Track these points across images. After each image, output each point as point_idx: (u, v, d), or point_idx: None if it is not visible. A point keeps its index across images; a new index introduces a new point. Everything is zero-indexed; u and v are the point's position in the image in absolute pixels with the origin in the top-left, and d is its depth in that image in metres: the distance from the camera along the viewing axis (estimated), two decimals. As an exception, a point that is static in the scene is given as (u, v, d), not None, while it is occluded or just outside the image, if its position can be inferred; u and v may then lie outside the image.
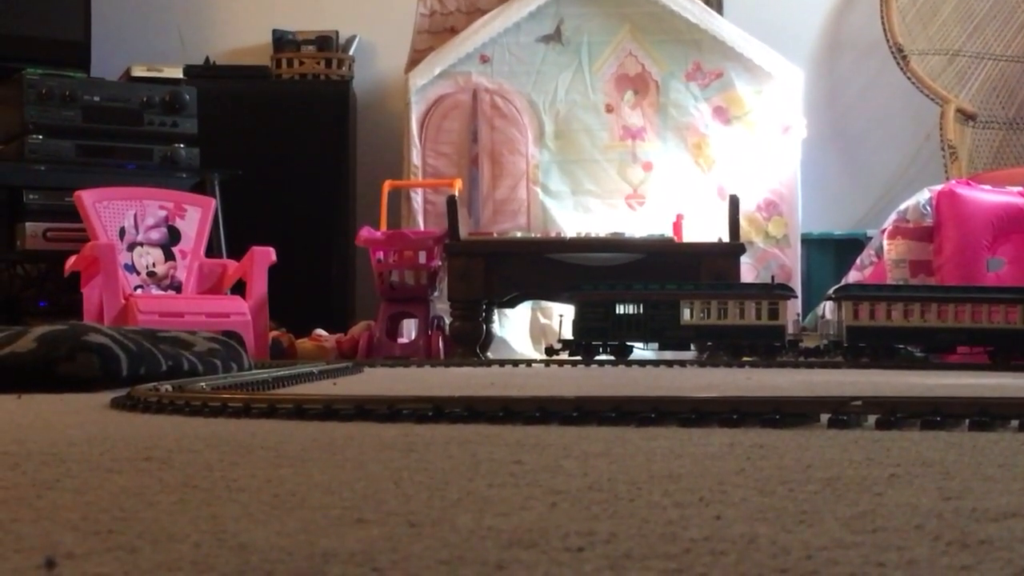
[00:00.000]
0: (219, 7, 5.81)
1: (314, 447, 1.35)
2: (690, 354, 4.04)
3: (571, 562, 0.70)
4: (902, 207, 4.59)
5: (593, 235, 4.58)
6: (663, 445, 1.35)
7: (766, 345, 3.86)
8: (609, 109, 5.12)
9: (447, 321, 4.56)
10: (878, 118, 5.70)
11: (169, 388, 2.03)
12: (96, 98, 4.73)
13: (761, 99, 5.08)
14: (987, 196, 4.50)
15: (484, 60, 5.09)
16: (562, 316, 4.19)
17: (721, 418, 1.57)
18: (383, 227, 4.79)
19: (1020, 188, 4.56)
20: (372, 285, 4.73)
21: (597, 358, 3.90)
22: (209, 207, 4.75)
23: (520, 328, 4.97)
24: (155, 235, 4.58)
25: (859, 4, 5.70)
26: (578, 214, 5.05)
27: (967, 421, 1.53)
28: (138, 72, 4.97)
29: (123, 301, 4.19)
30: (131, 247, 4.53)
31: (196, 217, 4.68)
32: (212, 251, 4.78)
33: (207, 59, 5.47)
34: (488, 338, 4.58)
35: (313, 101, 5.35)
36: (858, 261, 4.79)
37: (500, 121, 5.07)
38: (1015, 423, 1.52)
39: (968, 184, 4.59)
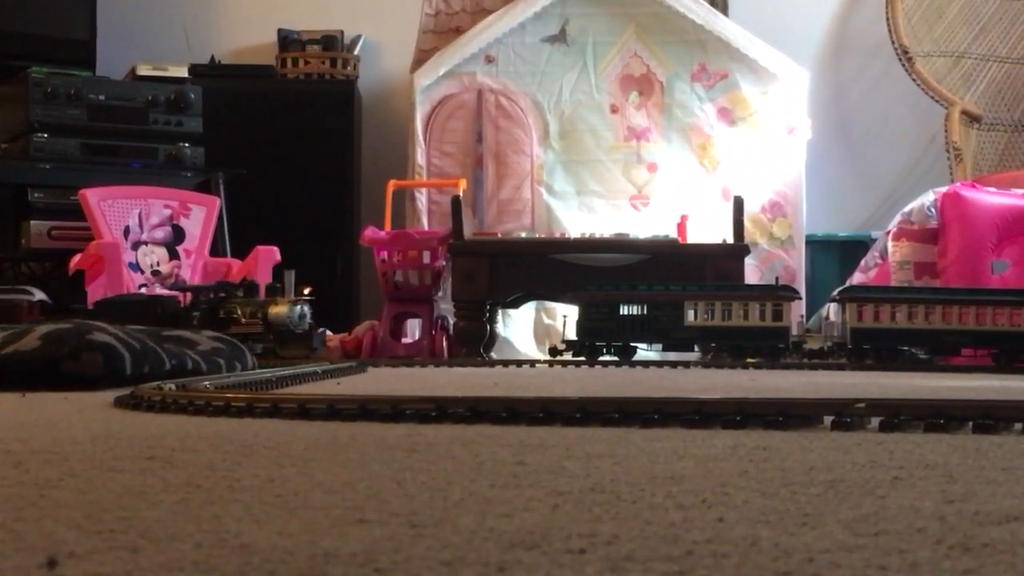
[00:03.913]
0: (224, 6, 5.81)
1: (317, 447, 1.35)
2: (694, 355, 4.03)
3: (573, 564, 0.70)
4: (907, 209, 4.59)
5: (597, 236, 4.58)
6: (666, 446, 1.35)
7: (770, 347, 3.85)
8: (614, 110, 5.12)
9: (451, 321, 4.56)
10: (883, 119, 5.70)
11: (173, 387, 2.03)
12: (101, 97, 4.74)
13: (766, 100, 5.08)
14: (992, 198, 4.49)
15: (489, 60, 5.09)
16: (566, 317, 4.18)
17: (724, 420, 1.57)
18: (387, 227, 4.79)
19: (1025, 190, 4.56)
20: (376, 285, 4.73)
21: (601, 359, 3.90)
22: (214, 206, 4.75)
23: (524, 328, 4.97)
24: (160, 234, 4.59)
25: (864, 5, 5.70)
26: (582, 214, 5.05)
27: (971, 424, 1.53)
28: (143, 71, 4.98)
29: (127, 300, 4.20)
30: (135, 246, 4.54)
31: (201, 216, 4.69)
32: (216, 250, 4.79)
33: (212, 58, 5.48)
34: (492, 338, 4.58)
35: (318, 100, 5.36)
36: (862, 263, 4.78)
37: (505, 121, 5.08)
38: (1019, 426, 1.52)
39: (973, 186, 4.58)
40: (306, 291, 3.72)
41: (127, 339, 2.59)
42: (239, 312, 3.65)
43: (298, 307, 3.63)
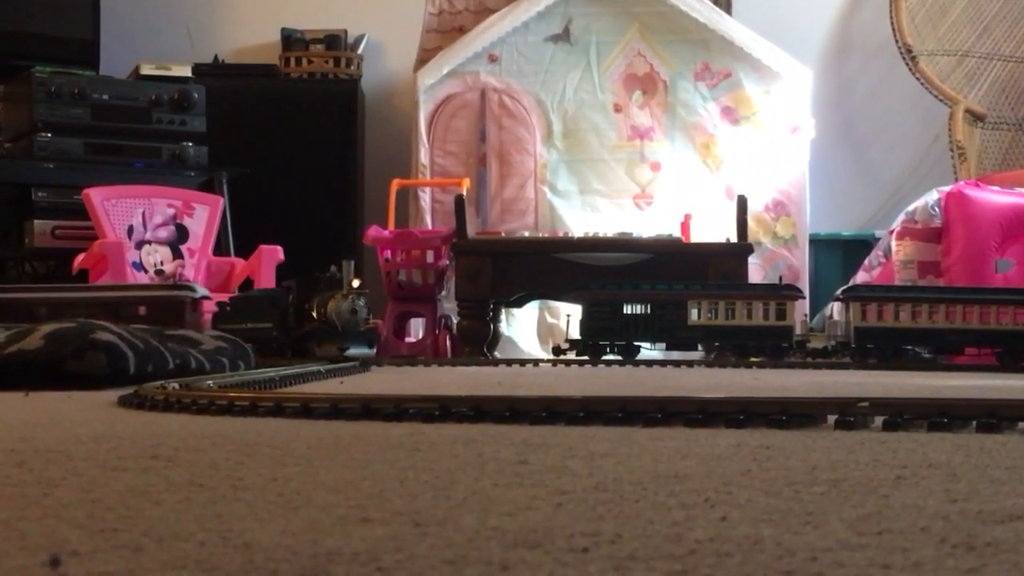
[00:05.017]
0: (228, 5, 5.81)
1: (320, 446, 1.35)
2: (697, 354, 4.03)
3: (576, 563, 0.70)
4: (910, 208, 4.58)
5: (601, 235, 4.58)
6: (669, 445, 1.35)
7: (773, 346, 3.85)
8: (617, 109, 5.12)
9: (454, 320, 4.56)
10: (887, 118, 5.69)
11: (176, 386, 2.04)
12: (105, 96, 4.74)
13: (769, 99, 5.08)
14: (996, 197, 4.49)
15: (492, 59, 5.09)
16: (569, 316, 4.18)
17: (728, 419, 1.57)
18: (391, 226, 4.80)
19: (1029, 189, 4.55)
20: (380, 284, 4.73)
21: (604, 358, 3.90)
22: (217, 205, 4.76)
23: (527, 328, 4.97)
24: (163, 233, 4.59)
25: (868, 4, 5.69)
26: (586, 214, 5.05)
27: (974, 423, 1.53)
28: (147, 70, 4.98)
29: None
30: (139, 245, 4.54)
31: (204, 215, 4.69)
32: (220, 249, 4.79)
33: (216, 57, 5.48)
34: (495, 337, 4.58)
35: (321, 100, 5.36)
36: (866, 262, 4.78)
37: (508, 120, 5.08)
38: (1023, 425, 1.52)
39: (977, 185, 4.58)
40: (355, 283, 3.48)
41: (131, 338, 2.60)
42: (313, 308, 3.53)
43: (348, 301, 3.43)
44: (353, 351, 3.48)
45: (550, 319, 4.94)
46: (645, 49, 5.12)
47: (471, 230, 4.57)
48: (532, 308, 4.91)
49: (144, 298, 3.55)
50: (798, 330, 3.97)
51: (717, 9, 5.16)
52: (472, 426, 1.59)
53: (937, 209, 4.48)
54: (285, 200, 5.12)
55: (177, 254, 4.60)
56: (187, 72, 5.04)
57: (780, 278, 4.54)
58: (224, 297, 3.98)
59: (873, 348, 3.78)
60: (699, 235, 4.66)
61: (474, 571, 0.68)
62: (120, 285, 3.95)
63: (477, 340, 4.43)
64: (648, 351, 3.99)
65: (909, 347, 3.84)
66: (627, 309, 3.92)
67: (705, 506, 0.92)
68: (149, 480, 1.07)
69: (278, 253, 4.47)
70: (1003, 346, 3.79)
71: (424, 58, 5.15)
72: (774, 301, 3.88)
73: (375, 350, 3.65)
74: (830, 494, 0.98)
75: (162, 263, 4.56)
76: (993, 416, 1.52)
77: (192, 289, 3.57)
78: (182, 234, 4.64)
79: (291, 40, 5.46)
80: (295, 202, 5.13)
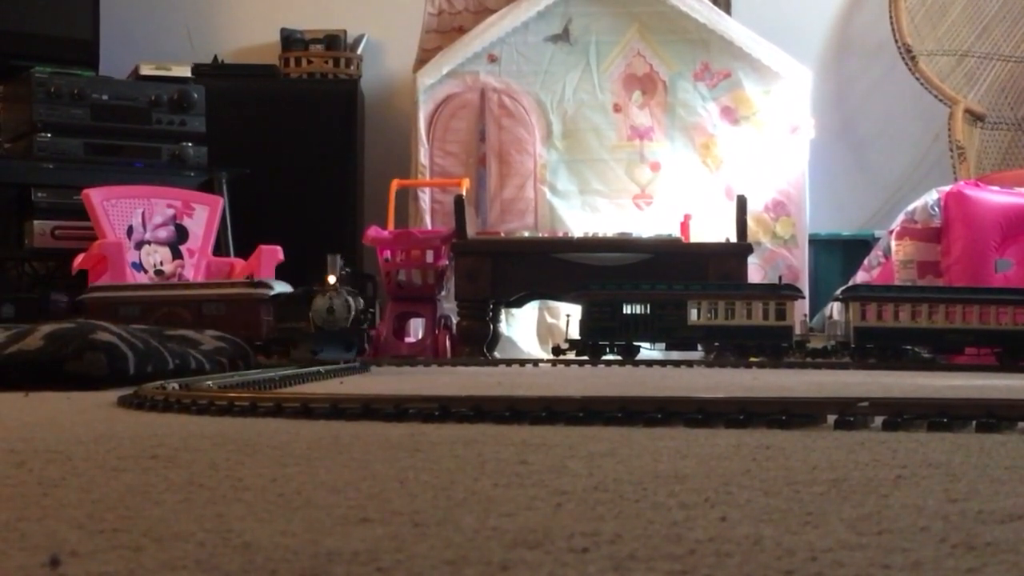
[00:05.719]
0: (228, 6, 5.81)
1: (320, 446, 1.35)
2: (697, 354, 4.03)
3: (575, 563, 0.70)
4: (910, 208, 4.59)
5: (600, 235, 4.58)
6: (669, 445, 1.35)
7: (773, 345, 3.85)
8: (617, 109, 5.12)
9: (454, 320, 4.56)
10: (886, 119, 5.69)
11: (176, 386, 2.04)
12: (104, 96, 4.74)
13: (769, 99, 5.08)
14: (995, 197, 4.49)
15: (492, 59, 5.09)
16: (569, 316, 4.18)
17: (727, 419, 1.57)
18: (390, 226, 4.80)
19: (1029, 189, 4.55)
20: (379, 284, 4.73)
21: (604, 358, 3.90)
22: (217, 206, 4.75)
23: (527, 328, 4.97)
24: (163, 233, 4.59)
25: (867, 4, 5.69)
26: (585, 214, 5.05)
27: (974, 423, 1.53)
28: (146, 70, 4.98)
29: (131, 299, 4.19)
30: (139, 245, 4.54)
31: (204, 216, 4.69)
32: (220, 250, 4.79)
33: (215, 58, 5.48)
34: (495, 337, 4.58)
35: (321, 100, 5.35)
36: (866, 262, 4.78)
37: (508, 120, 5.08)
38: (1022, 425, 1.52)
39: (976, 185, 4.58)
40: (330, 279, 3.27)
41: (130, 339, 2.60)
42: None
43: (325, 299, 3.26)
44: (326, 354, 3.26)
45: (550, 319, 4.94)
46: (645, 49, 5.12)
47: (471, 230, 4.57)
48: (532, 308, 4.91)
49: (223, 296, 3.56)
50: (798, 330, 3.97)
51: (717, 9, 5.16)
52: (472, 426, 1.59)
53: (937, 209, 4.48)
54: (285, 200, 5.12)
55: (177, 254, 4.60)
56: (187, 72, 5.04)
57: (780, 278, 4.53)
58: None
59: (873, 348, 3.79)
60: (699, 235, 4.66)
61: (474, 571, 0.68)
62: (200, 283, 3.97)
63: (477, 340, 4.43)
64: (648, 351, 3.99)
65: (909, 347, 3.84)
66: (627, 309, 3.92)
67: (705, 506, 0.92)
68: (149, 480, 1.07)
69: (278, 253, 4.47)
70: (1003, 346, 3.79)
71: (424, 58, 5.16)
72: (774, 301, 3.88)
73: (354, 352, 3.36)
74: (830, 494, 0.98)
75: (162, 263, 4.56)
76: (993, 416, 1.52)
77: (268, 286, 3.54)
78: (182, 234, 4.64)
79: (291, 40, 5.46)
80: (295, 202, 5.13)
